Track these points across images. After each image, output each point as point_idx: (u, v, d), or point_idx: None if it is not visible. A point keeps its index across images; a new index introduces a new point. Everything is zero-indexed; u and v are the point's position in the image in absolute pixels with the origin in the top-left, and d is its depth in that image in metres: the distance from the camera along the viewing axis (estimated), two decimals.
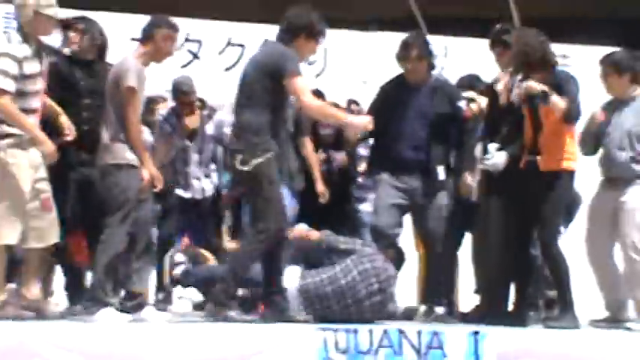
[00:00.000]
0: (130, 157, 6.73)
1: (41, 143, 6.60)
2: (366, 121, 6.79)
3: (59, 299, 7.45)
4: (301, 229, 7.45)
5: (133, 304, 6.85)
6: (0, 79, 6.46)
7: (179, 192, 8.57)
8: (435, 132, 7.50)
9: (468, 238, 7.84)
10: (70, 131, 6.81)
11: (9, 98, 6.48)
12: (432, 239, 7.63)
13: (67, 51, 7.20)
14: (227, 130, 8.29)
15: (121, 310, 6.66)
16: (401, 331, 6.21)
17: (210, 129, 8.69)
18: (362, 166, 8.52)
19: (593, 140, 7.30)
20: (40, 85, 6.65)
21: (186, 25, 9.40)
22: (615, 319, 7.15)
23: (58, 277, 7.45)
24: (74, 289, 7.27)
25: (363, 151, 8.55)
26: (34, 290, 6.67)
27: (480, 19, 8.32)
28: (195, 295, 7.94)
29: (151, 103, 8.23)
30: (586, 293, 7.48)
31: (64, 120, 6.81)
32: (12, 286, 6.93)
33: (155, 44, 6.87)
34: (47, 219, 6.61)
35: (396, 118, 7.49)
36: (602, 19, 8.11)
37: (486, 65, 7.60)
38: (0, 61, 6.48)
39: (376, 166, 7.64)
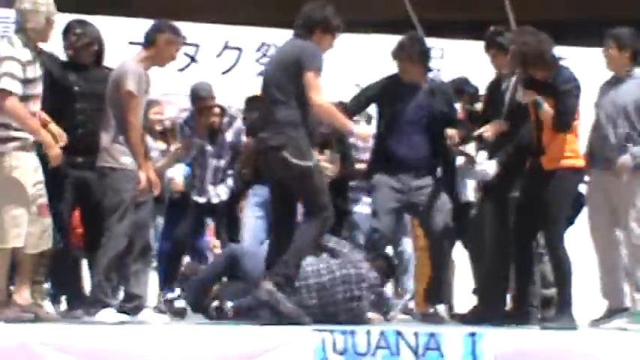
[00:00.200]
0: (127, 161, 6.76)
1: (47, 145, 6.63)
2: (368, 134, 6.82)
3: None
4: None
5: (131, 306, 6.87)
6: (8, 82, 6.50)
7: (195, 197, 8.62)
8: (432, 132, 7.54)
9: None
10: (60, 138, 6.80)
11: (16, 100, 6.51)
12: (432, 239, 7.64)
13: (65, 55, 7.23)
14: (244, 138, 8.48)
15: (121, 312, 6.69)
16: (398, 333, 6.20)
17: (229, 136, 8.71)
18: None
19: None
20: (39, 89, 6.69)
21: (183, 29, 9.36)
22: (613, 309, 7.17)
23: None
24: (72, 290, 7.31)
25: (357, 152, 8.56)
26: (24, 294, 6.67)
27: (477, 22, 8.33)
28: None
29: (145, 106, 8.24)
30: (585, 294, 7.52)
31: (53, 127, 6.81)
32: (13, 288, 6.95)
33: (157, 49, 6.91)
34: (43, 224, 6.64)
35: (394, 118, 7.53)
36: (597, 22, 8.13)
37: (482, 67, 7.62)
38: (7, 64, 6.53)
39: (374, 168, 7.67)
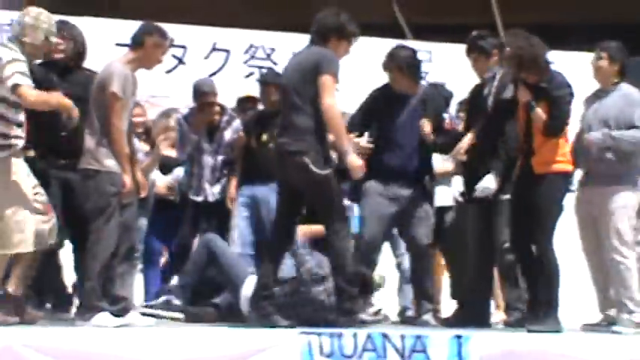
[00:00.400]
0: (111, 163, 6.76)
1: (68, 109, 6.67)
2: (359, 166, 6.81)
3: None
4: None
5: (117, 308, 6.86)
6: (20, 78, 6.52)
7: (192, 197, 8.64)
8: (422, 142, 7.57)
9: None
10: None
11: (31, 88, 6.54)
12: (417, 247, 7.69)
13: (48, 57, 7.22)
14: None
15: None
16: (385, 335, 6.23)
17: (228, 135, 8.72)
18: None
19: None
20: None
21: (171, 31, 9.37)
22: (609, 321, 7.22)
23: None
24: (57, 290, 7.33)
25: None
26: (18, 292, 6.69)
27: (464, 25, 8.36)
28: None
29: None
30: (573, 297, 7.61)
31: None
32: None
33: (145, 51, 6.92)
34: (48, 222, 6.70)
35: (385, 127, 7.56)
36: (583, 25, 8.18)
37: (470, 70, 7.65)
38: (17, 64, 6.56)
39: (366, 175, 7.68)
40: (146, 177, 7.59)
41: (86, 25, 7.55)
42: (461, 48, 7.67)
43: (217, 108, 8.71)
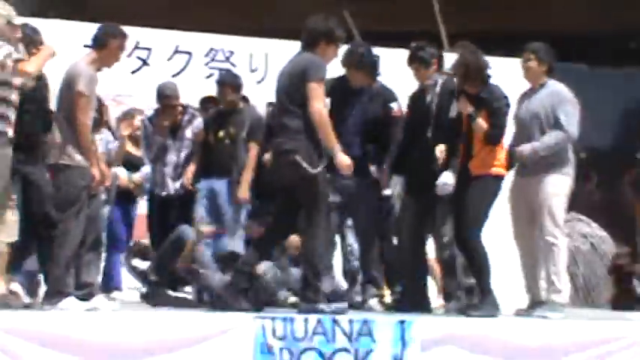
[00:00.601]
0: (79, 158, 6.97)
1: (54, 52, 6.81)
2: (348, 165, 7.05)
3: None
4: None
5: (83, 292, 7.15)
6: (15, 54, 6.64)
7: (156, 192, 8.90)
8: (369, 133, 7.86)
9: None
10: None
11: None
12: (364, 235, 7.98)
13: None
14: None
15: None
16: (334, 320, 6.51)
17: (189, 133, 8.95)
18: None
19: None
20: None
21: (136, 34, 9.60)
22: (534, 302, 7.59)
23: None
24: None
25: None
26: (0, 287, 6.90)
27: (409, 32, 8.68)
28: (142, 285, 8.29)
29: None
30: (507, 284, 7.95)
31: None
32: None
33: (108, 51, 7.14)
34: (16, 214, 6.87)
35: (336, 118, 7.83)
36: (524, 33, 8.52)
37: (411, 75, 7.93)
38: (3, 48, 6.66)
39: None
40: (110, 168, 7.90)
41: (55, 27, 7.69)
42: (405, 53, 8.01)
43: (179, 108, 8.95)
